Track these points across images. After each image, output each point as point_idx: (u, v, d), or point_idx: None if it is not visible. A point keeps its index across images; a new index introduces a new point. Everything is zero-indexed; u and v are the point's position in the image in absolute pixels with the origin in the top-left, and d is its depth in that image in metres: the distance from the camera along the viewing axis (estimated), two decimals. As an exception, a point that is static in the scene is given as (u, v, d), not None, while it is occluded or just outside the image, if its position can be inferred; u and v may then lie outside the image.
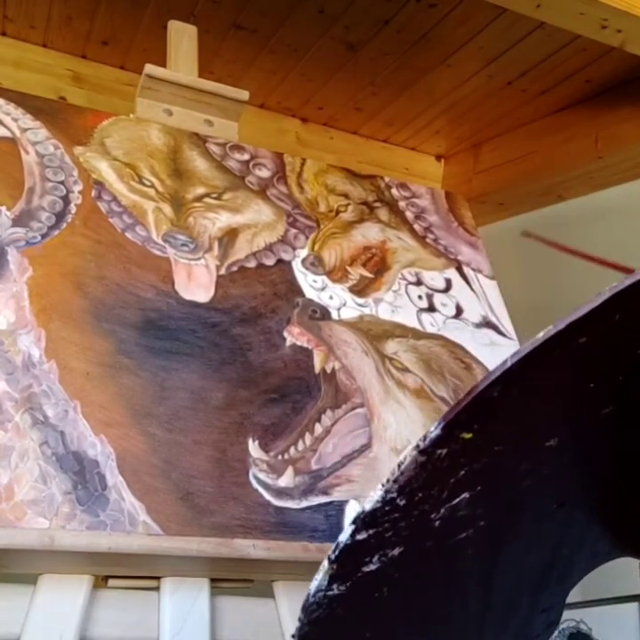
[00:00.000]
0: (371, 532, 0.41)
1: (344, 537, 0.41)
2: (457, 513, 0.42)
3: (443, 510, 0.42)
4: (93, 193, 0.87)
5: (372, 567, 0.42)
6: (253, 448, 0.77)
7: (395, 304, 0.97)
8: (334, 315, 0.92)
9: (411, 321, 0.97)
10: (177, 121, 0.99)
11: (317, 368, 0.86)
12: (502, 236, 1.45)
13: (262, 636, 0.73)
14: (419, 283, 1.02)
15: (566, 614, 1.08)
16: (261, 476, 0.75)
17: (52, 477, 0.66)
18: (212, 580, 0.72)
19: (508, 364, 0.38)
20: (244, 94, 1.02)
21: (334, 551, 0.41)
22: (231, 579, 0.74)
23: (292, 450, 0.78)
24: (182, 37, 1.04)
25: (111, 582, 0.70)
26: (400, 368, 0.90)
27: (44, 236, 0.81)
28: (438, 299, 1.02)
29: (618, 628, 1.04)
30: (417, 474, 0.40)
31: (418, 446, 0.39)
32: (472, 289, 1.06)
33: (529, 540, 0.50)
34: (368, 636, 0.46)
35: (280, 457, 0.77)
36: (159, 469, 0.71)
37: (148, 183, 0.91)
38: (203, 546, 0.68)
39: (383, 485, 0.40)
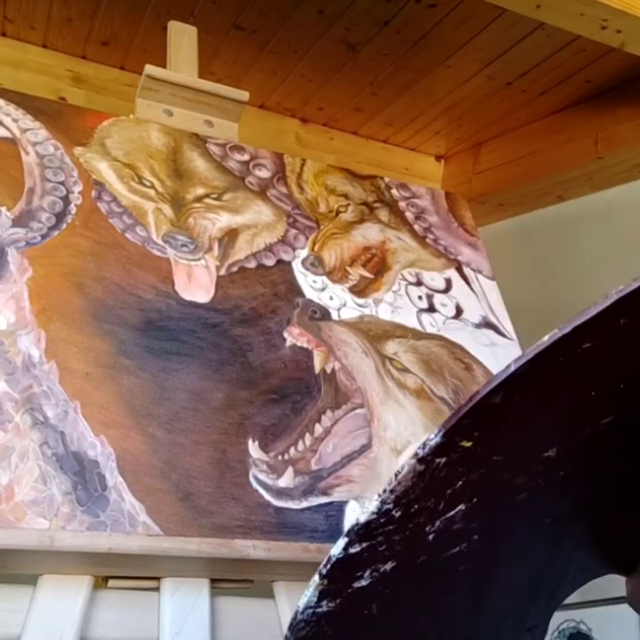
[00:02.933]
0: (364, 545, 0.39)
1: (337, 550, 0.39)
2: (452, 526, 0.41)
3: (438, 523, 0.40)
4: (93, 193, 0.87)
5: (364, 583, 0.40)
6: (253, 448, 0.77)
7: (395, 304, 0.97)
8: (334, 315, 0.92)
9: (411, 321, 0.97)
10: (177, 121, 0.99)
11: (317, 368, 0.86)
12: (502, 237, 1.45)
13: (262, 636, 0.72)
14: (419, 283, 1.02)
15: (566, 614, 1.08)
16: (261, 476, 0.75)
17: (52, 478, 0.66)
18: (212, 581, 0.72)
19: (512, 368, 0.36)
20: (244, 95, 1.02)
21: (326, 565, 0.39)
22: (231, 579, 0.74)
23: (291, 450, 0.78)
24: (182, 38, 1.04)
25: (111, 583, 0.70)
26: (400, 368, 0.90)
27: (43, 237, 0.81)
28: (438, 299, 1.02)
29: (618, 628, 1.04)
30: (414, 484, 0.38)
31: (417, 454, 0.37)
32: (472, 289, 1.06)
33: (521, 556, 0.48)
34: None
35: (280, 457, 0.77)
36: (159, 470, 0.71)
37: (148, 184, 0.91)
38: (203, 546, 0.68)
39: (380, 496, 0.38)
